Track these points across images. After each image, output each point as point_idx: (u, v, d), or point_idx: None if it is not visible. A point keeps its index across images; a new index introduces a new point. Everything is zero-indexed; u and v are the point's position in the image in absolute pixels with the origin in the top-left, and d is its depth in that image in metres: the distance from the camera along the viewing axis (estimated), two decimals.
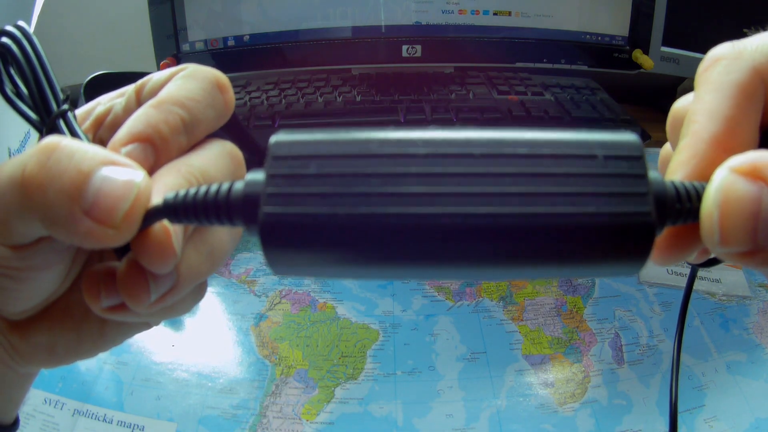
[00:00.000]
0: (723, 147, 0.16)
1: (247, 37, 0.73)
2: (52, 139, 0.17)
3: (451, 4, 0.73)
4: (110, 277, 0.18)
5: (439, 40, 0.74)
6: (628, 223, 0.12)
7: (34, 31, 0.21)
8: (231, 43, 0.73)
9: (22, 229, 0.17)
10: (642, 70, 0.73)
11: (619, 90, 0.73)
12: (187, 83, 0.20)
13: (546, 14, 0.74)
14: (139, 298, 0.17)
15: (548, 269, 0.13)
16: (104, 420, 0.42)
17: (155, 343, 0.47)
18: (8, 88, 0.21)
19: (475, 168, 0.13)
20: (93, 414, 0.42)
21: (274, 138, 0.14)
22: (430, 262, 0.13)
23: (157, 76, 0.21)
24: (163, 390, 0.44)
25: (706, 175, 0.15)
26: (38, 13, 0.53)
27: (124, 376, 0.45)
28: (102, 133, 0.22)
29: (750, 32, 0.18)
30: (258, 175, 0.14)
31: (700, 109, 0.17)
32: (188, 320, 0.50)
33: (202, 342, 0.48)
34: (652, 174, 0.14)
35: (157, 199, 0.17)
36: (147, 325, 0.23)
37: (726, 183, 0.14)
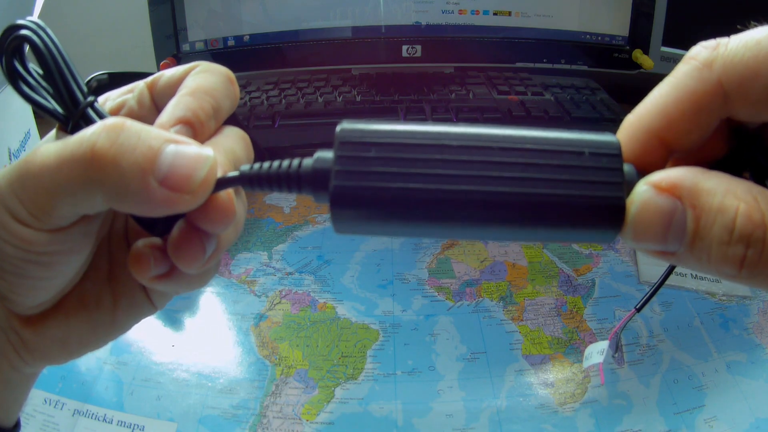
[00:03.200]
0: (659, 138, 0.18)
1: (247, 37, 0.73)
2: (117, 120, 0.18)
3: (451, 4, 0.73)
4: (157, 250, 0.21)
5: (439, 40, 0.74)
6: (607, 205, 0.17)
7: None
8: (231, 43, 0.73)
9: (68, 209, 0.19)
10: (642, 70, 0.73)
11: (619, 90, 0.73)
12: (209, 77, 0.22)
13: (546, 14, 0.74)
14: (195, 259, 0.20)
15: (547, 234, 0.18)
16: (104, 420, 0.42)
17: (155, 343, 0.47)
18: (22, 84, 0.21)
19: (492, 157, 0.17)
20: (93, 414, 0.42)
21: (340, 126, 0.18)
22: (454, 224, 0.17)
23: (169, 73, 0.23)
24: (163, 390, 0.44)
25: (639, 156, 0.18)
26: (38, 14, 0.53)
27: (124, 376, 0.45)
28: None
29: (748, 27, 0.18)
30: (326, 154, 0.18)
31: (654, 97, 0.19)
32: (188, 320, 0.50)
33: (202, 342, 0.48)
34: (626, 167, 0.17)
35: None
36: (153, 308, 0.24)
37: (646, 196, 0.17)
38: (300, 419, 0.42)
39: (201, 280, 0.23)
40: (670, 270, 0.36)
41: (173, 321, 0.50)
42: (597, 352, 0.40)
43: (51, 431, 0.41)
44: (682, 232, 0.16)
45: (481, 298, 0.51)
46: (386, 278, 0.52)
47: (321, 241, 0.56)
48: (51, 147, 0.18)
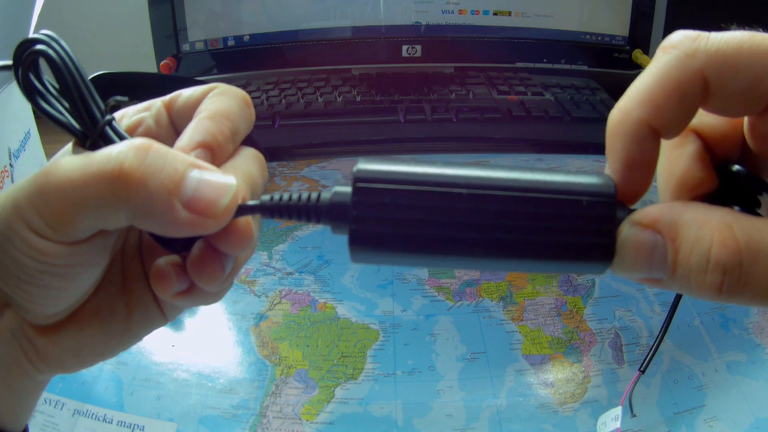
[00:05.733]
0: (649, 127, 0.19)
1: (247, 37, 0.73)
2: (144, 140, 0.19)
3: (451, 4, 0.73)
4: (178, 267, 0.21)
5: (439, 40, 0.74)
6: (599, 248, 0.19)
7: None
8: (231, 43, 0.73)
9: (89, 223, 0.19)
10: (642, 70, 0.73)
11: (619, 90, 0.73)
12: (227, 100, 0.23)
13: (546, 14, 0.74)
14: (215, 277, 0.21)
15: (546, 269, 0.20)
16: (104, 420, 0.42)
17: (155, 343, 0.47)
18: (40, 100, 0.21)
19: (500, 206, 0.19)
20: (93, 414, 0.42)
21: (357, 167, 0.19)
22: (464, 263, 0.19)
23: (187, 93, 0.24)
24: (163, 390, 0.44)
25: (630, 154, 0.19)
26: (38, 14, 0.53)
27: (124, 376, 0.45)
28: None
29: (730, 28, 0.18)
30: (343, 189, 0.20)
31: (637, 87, 0.19)
32: (188, 320, 0.50)
33: (202, 342, 0.48)
34: (619, 213, 0.19)
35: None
36: (165, 320, 0.24)
37: (630, 233, 0.18)
38: (300, 419, 0.42)
39: (217, 296, 0.23)
40: (669, 321, 0.40)
41: (173, 321, 0.50)
42: (611, 419, 0.41)
43: (51, 431, 0.41)
44: (663, 263, 0.18)
45: (481, 298, 0.51)
46: (386, 278, 0.52)
47: (321, 241, 0.56)
48: (74, 161, 0.18)
